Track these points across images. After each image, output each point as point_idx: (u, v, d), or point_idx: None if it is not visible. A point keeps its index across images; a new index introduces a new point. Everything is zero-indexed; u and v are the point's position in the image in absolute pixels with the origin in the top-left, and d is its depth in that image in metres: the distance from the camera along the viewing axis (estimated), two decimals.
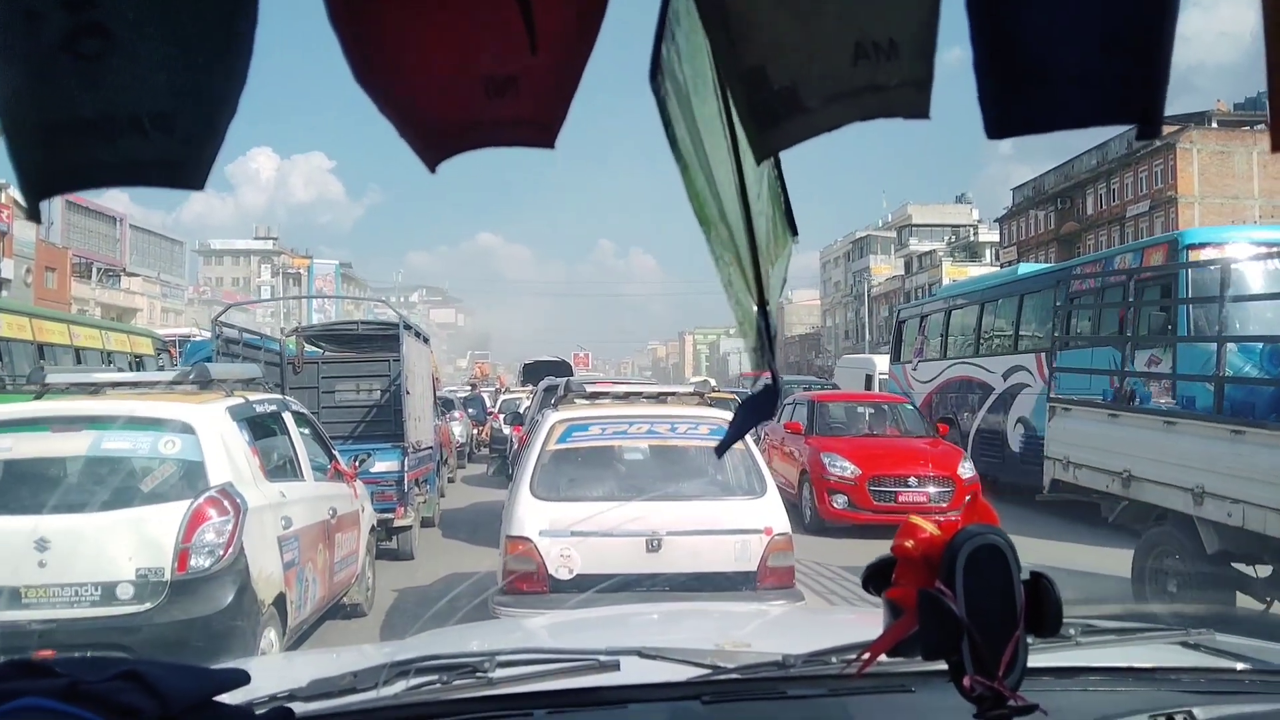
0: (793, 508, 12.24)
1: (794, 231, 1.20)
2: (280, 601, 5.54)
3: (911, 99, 0.87)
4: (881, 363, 25.19)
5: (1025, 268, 18.76)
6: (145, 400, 5.70)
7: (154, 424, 5.35)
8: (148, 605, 4.82)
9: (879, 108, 0.87)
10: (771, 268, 1.13)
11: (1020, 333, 16.00)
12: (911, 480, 11.78)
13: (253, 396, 6.33)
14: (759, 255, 1.04)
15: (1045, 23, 0.81)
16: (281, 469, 6.33)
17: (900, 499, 11.60)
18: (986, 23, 0.82)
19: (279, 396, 7.31)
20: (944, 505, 11.40)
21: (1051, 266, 19.87)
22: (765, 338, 1.09)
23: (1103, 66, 0.82)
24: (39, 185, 0.80)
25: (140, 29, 0.78)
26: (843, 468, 11.97)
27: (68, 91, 0.78)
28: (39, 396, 5.98)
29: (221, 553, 4.99)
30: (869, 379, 25.70)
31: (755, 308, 1.08)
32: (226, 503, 5.11)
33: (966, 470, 12.02)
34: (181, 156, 0.82)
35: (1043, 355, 14.15)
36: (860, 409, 14.75)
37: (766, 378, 1.15)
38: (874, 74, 0.85)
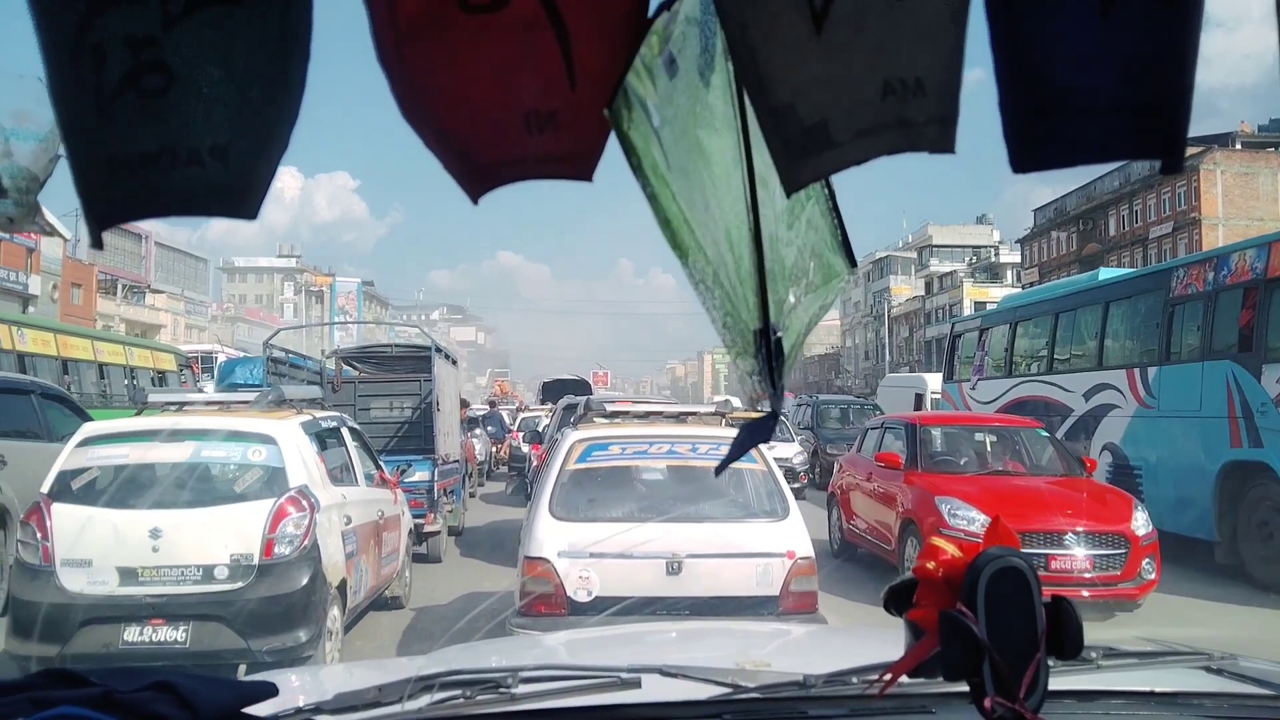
0: (888, 569, 9.65)
1: (852, 263, 1.21)
2: (343, 586, 6.48)
3: (937, 135, 0.89)
4: (934, 381, 23.16)
5: (1106, 272, 16.59)
6: (233, 416, 6.67)
7: (243, 436, 6.32)
8: (239, 584, 5.75)
9: (906, 143, 0.90)
10: (799, 295, 1.15)
11: (1106, 346, 13.66)
12: (1068, 537, 8.33)
13: (317, 414, 7.37)
14: (768, 282, 1.05)
15: (1069, 58, 0.83)
16: (340, 475, 7.23)
17: (1053, 564, 8.11)
18: (1011, 59, 0.84)
19: (338, 414, 8.28)
20: (1115, 573, 8.22)
21: (1142, 270, 17.21)
22: (768, 362, 1.09)
23: (1126, 101, 0.84)
24: (102, 214, 0.84)
25: (199, 67, 0.82)
26: (970, 519, 8.44)
27: (131, 125, 0.82)
28: (139, 413, 7.10)
29: (300, 542, 5.93)
30: (919, 399, 24.21)
31: (754, 332, 1.09)
32: (304, 501, 6.05)
33: (1142, 524, 8.58)
34: (237, 187, 0.86)
35: (1136, 371, 12.54)
36: (979, 435, 11.18)
37: (789, 397, 1.15)
38: (901, 110, 0.88)
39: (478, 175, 0.96)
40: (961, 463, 10.39)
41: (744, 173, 0.98)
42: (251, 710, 1.09)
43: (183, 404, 7.05)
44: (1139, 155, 0.86)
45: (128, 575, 5.67)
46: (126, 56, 0.80)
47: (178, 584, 5.70)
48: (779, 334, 1.09)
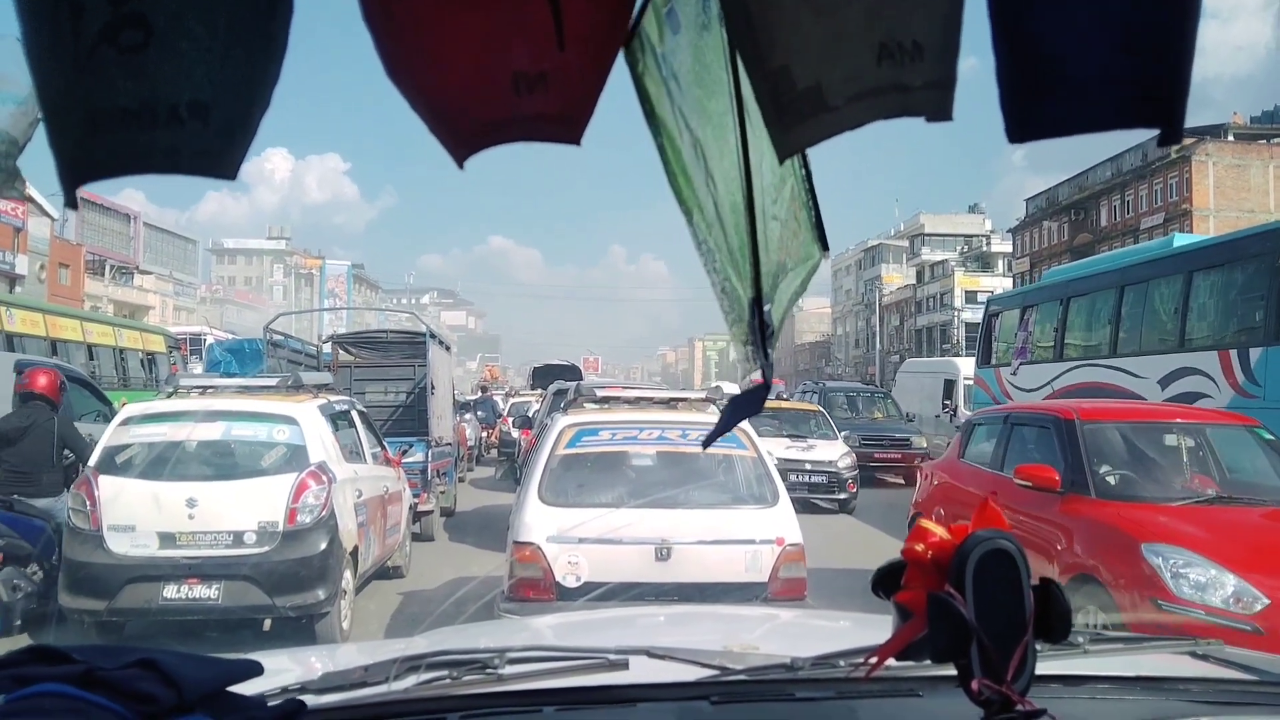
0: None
1: (824, 246, 1.20)
2: (355, 552, 7.23)
3: (934, 101, 0.88)
4: (966, 366, 20.67)
5: (1182, 238, 14.69)
6: (258, 399, 7.38)
7: (268, 417, 7.07)
8: (266, 548, 6.45)
9: (902, 107, 0.88)
10: (783, 271, 1.14)
11: (1189, 323, 11.65)
12: None
13: (331, 398, 8.12)
14: (760, 253, 1.04)
15: (1067, 24, 0.82)
16: (351, 454, 7.92)
17: None
18: (1009, 25, 0.83)
19: (348, 398, 9.03)
20: None
21: (1239, 233, 13.59)
22: (759, 334, 1.09)
23: (1124, 68, 0.82)
24: (77, 172, 0.82)
25: (179, 22, 0.80)
26: (1207, 583, 5.00)
27: (108, 81, 0.80)
28: (172, 396, 7.70)
29: (319, 512, 6.65)
30: (949, 387, 21.75)
31: (749, 302, 1.08)
32: (323, 475, 6.78)
33: None
34: (216, 146, 0.84)
35: (1233, 353, 10.49)
36: (1169, 438, 7.24)
37: (779, 384, 1.15)
38: (898, 74, 0.86)
39: (464, 137, 0.95)
40: (1154, 483, 6.56)
41: (738, 140, 0.97)
42: (236, 689, 1.08)
43: (212, 388, 7.78)
44: (1137, 124, 0.84)
45: (167, 539, 6.36)
46: (104, 10, 0.78)
47: (211, 547, 6.39)
48: (769, 305, 1.09)
